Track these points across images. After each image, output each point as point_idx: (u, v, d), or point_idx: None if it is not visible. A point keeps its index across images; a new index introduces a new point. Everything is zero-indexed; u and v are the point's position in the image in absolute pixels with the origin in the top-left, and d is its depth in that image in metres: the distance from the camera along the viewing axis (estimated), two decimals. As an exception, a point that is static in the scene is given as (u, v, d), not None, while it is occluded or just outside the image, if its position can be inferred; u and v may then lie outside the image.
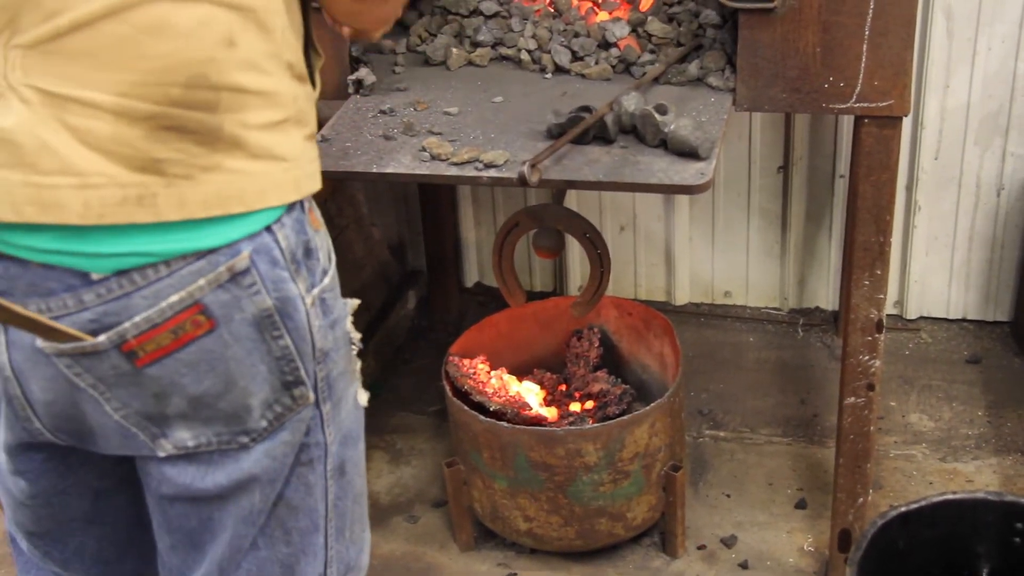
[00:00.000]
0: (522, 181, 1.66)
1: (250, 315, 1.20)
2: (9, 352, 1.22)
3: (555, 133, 1.79)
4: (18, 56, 1.10)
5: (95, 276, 1.14)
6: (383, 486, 2.65)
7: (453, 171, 1.74)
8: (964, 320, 3.04)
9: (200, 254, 1.16)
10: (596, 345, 2.56)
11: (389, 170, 1.77)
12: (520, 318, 2.57)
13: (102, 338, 1.16)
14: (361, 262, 3.03)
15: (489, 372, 2.40)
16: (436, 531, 2.51)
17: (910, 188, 2.88)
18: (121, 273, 1.14)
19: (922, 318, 3.06)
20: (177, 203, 1.13)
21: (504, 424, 2.22)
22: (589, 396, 2.47)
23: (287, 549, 1.36)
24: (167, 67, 1.10)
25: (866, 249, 1.97)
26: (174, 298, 1.16)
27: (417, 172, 1.77)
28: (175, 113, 1.11)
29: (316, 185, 1.26)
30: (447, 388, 2.33)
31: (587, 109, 1.79)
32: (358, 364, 1.42)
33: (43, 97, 1.10)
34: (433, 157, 1.77)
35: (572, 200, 2.94)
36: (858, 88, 1.84)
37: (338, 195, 2.96)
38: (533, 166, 1.66)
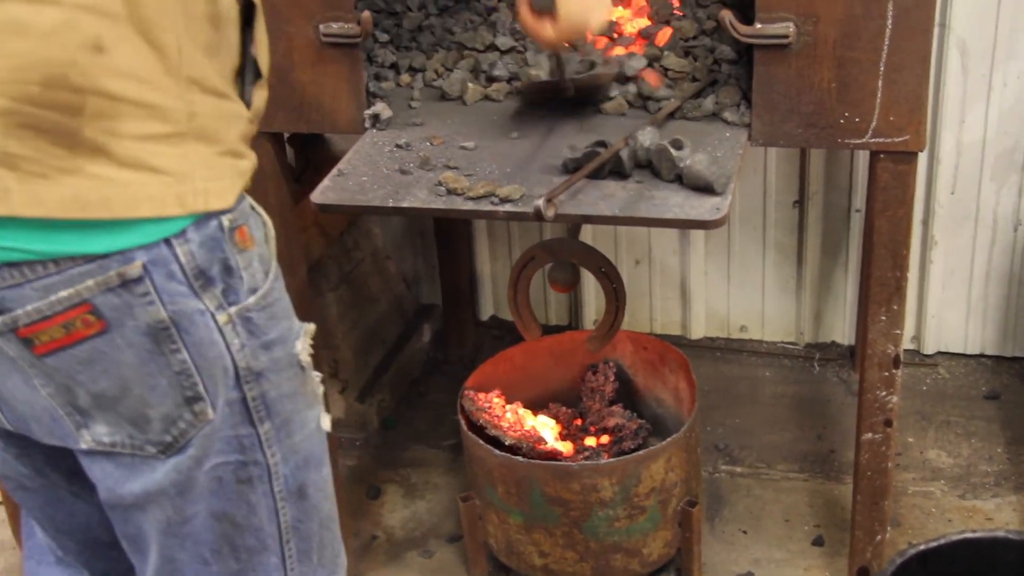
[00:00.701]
0: (538, 216, 1.66)
1: (144, 324, 1.22)
2: None
3: (571, 168, 1.80)
4: None
5: None
6: (398, 520, 2.64)
7: (469, 205, 1.74)
8: (982, 356, 3.02)
9: (89, 257, 1.18)
10: (611, 379, 2.56)
11: (405, 204, 1.78)
12: (535, 352, 2.57)
13: None
14: (376, 295, 3.04)
15: (504, 406, 2.40)
16: (451, 566, 2.50)
17: (926, 223, 2.87)
18: (11, 264, 1.18)
19: (939, 353, 3.04)
20: (32, 200, 1.15)
21: (519, 459, 2.21)
22: (604, 430, 2.46)
23: (236, 566, 1.40)
24: (23, 65, 1.12)
25: (883, 284, 1.96)
26: (63, 293, 1.19)
27: (433, 206, 1.77)
28: (32, 111, 1.13)
29: (217, 203, 1.24)
30: (462, 422, 2.33)
31: (602, 144, 1.80)
32: (319, 388, 1.44)
33: None
34: (449, 191, 1.78)
35: (587, 234, 2.94)
36: (873, 123, 1.84)
37: (354, 229, 2.97)
38: (549, 201, 1.67)
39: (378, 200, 1.80)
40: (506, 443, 2.28)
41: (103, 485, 1.34)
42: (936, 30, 2.28)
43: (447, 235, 3.10)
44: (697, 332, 3.20)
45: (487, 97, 2.12)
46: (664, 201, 1.72)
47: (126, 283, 1.20)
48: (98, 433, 1.28)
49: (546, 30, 1.73)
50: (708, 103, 1.97)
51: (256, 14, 1.33)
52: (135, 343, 1.23)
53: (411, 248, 3.31)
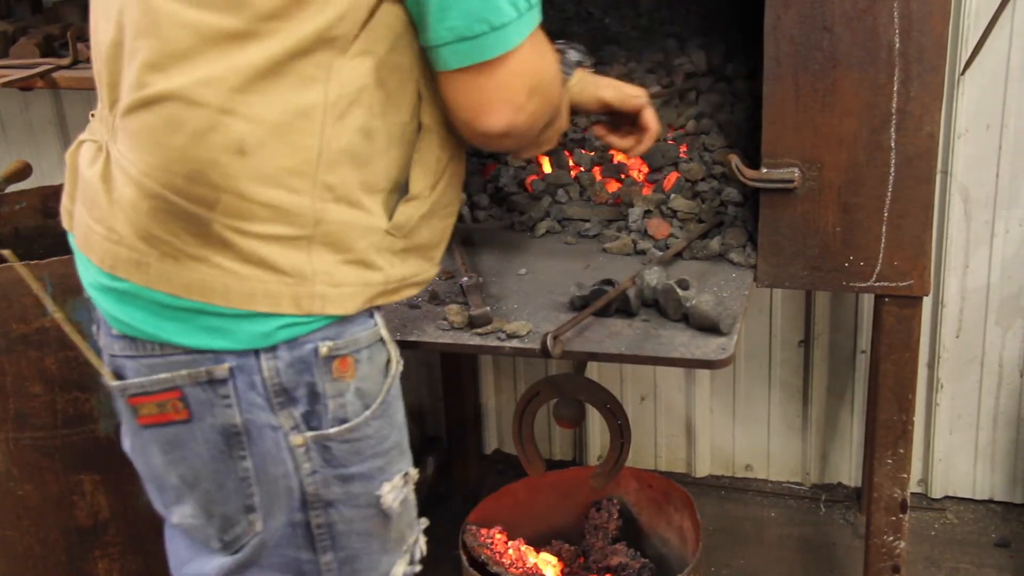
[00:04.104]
0: (544, 352, 1.67)
1: (220, 424, 1.28)
2: None
3: (578, 305, 1.81)
4: (117, 125, 1.28)
5: (114, 331, 1.30)
6: (394, 658, 2.58)
7: (476, 341, 1.75)
8: (991, 501, 2.98)
9: (187, 349, 1.25)
10: (615, 517, 2.53)
11: (413, 338, 1.79)
12: (539, 487, 2.55)
13: (116, 383, 1.31)
14: (381, 426, 3.02)
15: (506, 542, 2.37)
16: None
17: (932, 366, 2.87)
18: (131, 338, 1.28)
19: (947, 498, 3.00)
20: (164, 278, 1.24)
21: (520, 597, 2.17)
22: (607, 570, 2.42)
23: None
24: (175, 159, 1.21)
25: (888, 427, 1.96)
26: (163, 376, 1.27)
27: (440, 341, 1.78)
28: (174, 200, 1.21)
29: (334, 309, 1.27)
30: (464, 558, 2.29)
31: (610, 282, 1.82)
32: (411, 537, 1.42)
33: (115, 158, 1.28)
34: (455, 326, 1.79)
35: (593, 370, 2.95)
36: (878, 268, 1.86)
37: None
38: (556, 338, 1.68)
39: (386, 333, 1.81)
40: (507, 581, 2.24)
41: (174, 560, 1.41)
42: (938, 177, 2.33)
43: (453, 368, 3.11)
44: (702, 470, 3.17)
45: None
46: (670, 340, 1.73)
47: (212, 381, 1.26)
48: (186, 512, 1.35)
49: None
50: (714, 244, 2.00)
51: (423, 134, 1.35)
52: (210, 439, 1.28)
53: (417, 379, 3.31)
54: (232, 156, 1.19)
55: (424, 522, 1.47)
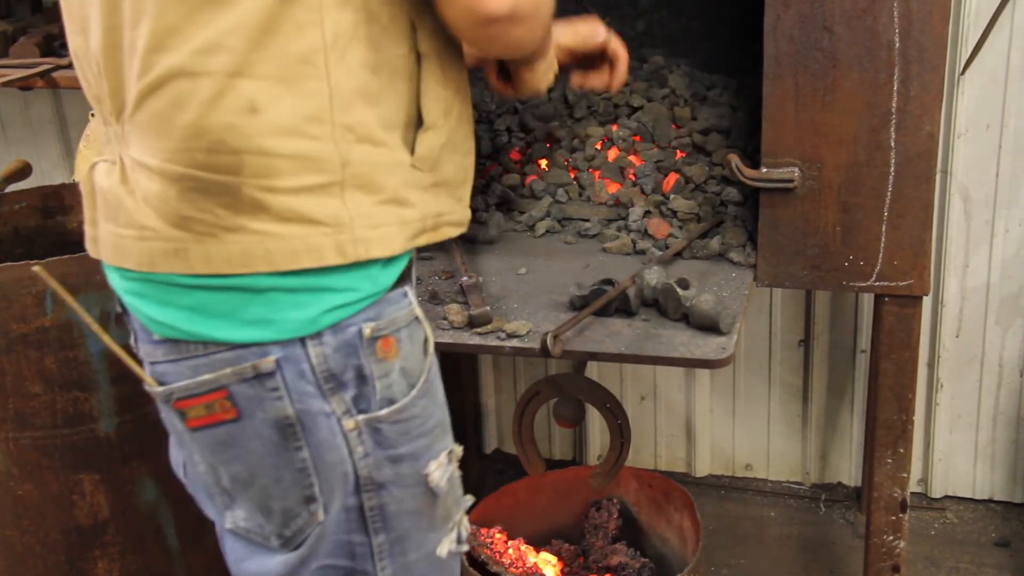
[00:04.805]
0: (544, 352, 1.67)
1: (272, 417, 1.26)
2: None
3: (578, 305, 1.81)
4: (126, 130, 1.27)
5: (155, 336, 1.28)
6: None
7: (476, 340, 1.75)
8: (991, 501, 2.98)
9: (231, 346, 1.24)
10: (615, 516, 2.53)
11: (413, 337, 1.79)
12: (539, 487, 2.55)
13: (160, 388, 1.29)
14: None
15: (506, 542, 2.37)
16: None
17: (932, 365, 2.87)
18: (173, 341, 1.26)
19: (947, 497, 3.01)
20: (204, 258, 1.22)
21: (520, 597, 2.17)
22: (607, 569, 2.42)
23: None
24: (190, 135, 1.19)
25: (888, 427, 1.96)
26: (208, 376, 1.26)
27: (440, 340, 1.78)
28: (200, 176, 1.20)
29: (379, 251, 1.26)
30: (464, 558, 2.29)
31: (609, 282, 1.82)
32: (456, 514, 1.42)
33: (131, 163, 1.26)
34: (455, 326, 1.80)
35: (593, 370, 2.95)
36: (878, 267, 1.87)
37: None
38: (556, 337, 1.68)
39: (386, 332, 1.81)
40: (507, 580, 2.24)
41: (231, 557, 1.40)
42: (938, 177, 2.33)
43: (453, 367, 3.11)
44: (702, 470, 3.17)
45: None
46: (670, 340, 1.73)
47: (259, 376, 1.24)
48: (238, 516, 1.34)
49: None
50: (714, 243, 2.00)
51: (423, 64, 1.32)
52: (263, 435, 1.27)
53: (416, 379, 3.31)
54: (246, 116, 1.18)
55: (469, 499, 1.47)
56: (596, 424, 3.15)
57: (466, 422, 3.16)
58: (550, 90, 1.79)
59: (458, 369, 3.10)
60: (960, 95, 2.59)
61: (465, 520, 1.45)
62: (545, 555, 2.45)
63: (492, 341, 1.75)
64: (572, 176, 2.22)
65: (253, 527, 1.34)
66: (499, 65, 1.62)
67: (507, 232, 2.18)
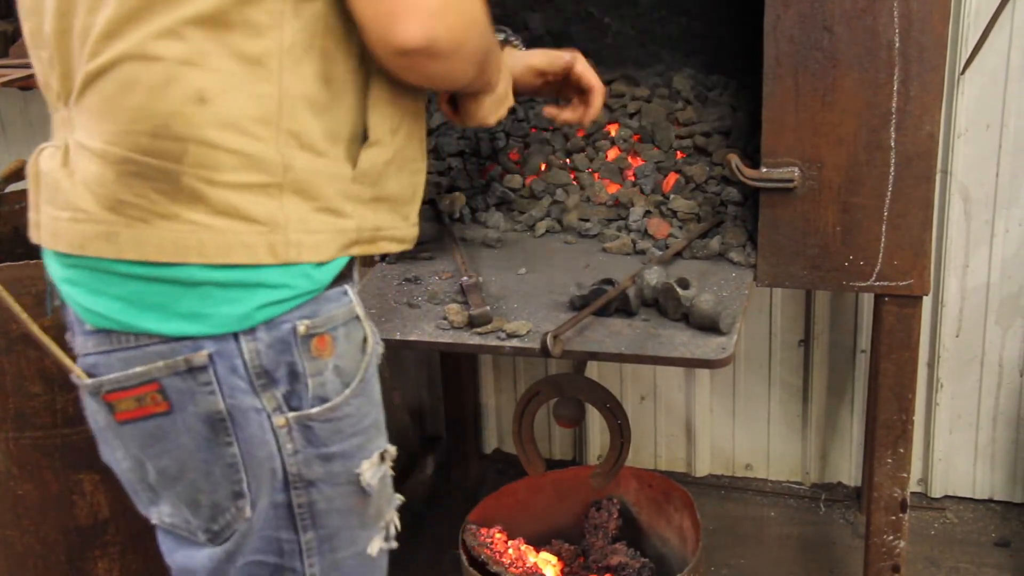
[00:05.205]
0: (544, 352, 1.67)
1: (203, 412, 1.27)
2: None
3: (578, 305, 1.81)
4: (73, 114, 1.27)
5: (88, 327, 1.27)
6: (394, 658, 2.58)
7: (476, 340, 1.76)
8: (991, 501, 2.98)
9: (164, 339, 1.24)
10: (615, 516, 2.53)
11: (412, 338, 1.79)
12: (539, 487, 2.55)
13: (90, 381, 1.29)
14: (381, 426, 3.02)
15: (506, 541, 2.37)
16: None
17: (932, 365, 2.87)
18: (106, 332, 1.26)
19: (947, 497, 3.00)
20: (135, 243, 1.22)
21: (520, 597, 2.17)
22: (607, 569, 2.42)
23: None
24: (136, 118, 1.20)
25: (888, 427, 1.96)
26: (139, 369, 1.26)
27: (440, 340, 1.79)
28: (141, 160, 1.20)
29: (310, 256, 1.26)
30: (463, 557, 2.29)
31: (609, 282, 1.82)
32: (387, 514, 1.43)
33: (75, 146, 1.26)
34: (455, 326, 1.80)
35: (593, 370, 2.94)
36: (878, 267, 1.87)
37: (361, 358, 2.97)
38: (556, 337, 1.68)
39: (385, 332, 1.81)
40: (507, 580, 2.24)
41: (162, 548, 1.42)
42: (938, 177, 2.33)
43: (452, 367, 3.11)
44: (702, 469, 3.17)
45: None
46: (670, 340, 1.73)
47: (192, 370, 1.24)
48: (163, 512, 1.35)
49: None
50: (714, 243, 2.00)
51: (372, 81, 1.32)
52: (194, 429, 1.27)
53: (416, 379, 3.31)
54: (194, 105, 1.19)
55: (400, 498, 1.47)
56: (596, 424, 3.15)
57: (466, 422, 3.16)
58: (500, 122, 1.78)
59: (458, 369, 3.10)
60: (960, 95, 2.59)
61: (395, 518, 1.46)
62: (545, 555, 2.45)
63: (492, 341, 1.75)
64: (571, 176, 2.22)
65: (179, 522, 1.35)
66: (449, 93, 1.63)
67: (507, 232, 2.18)
